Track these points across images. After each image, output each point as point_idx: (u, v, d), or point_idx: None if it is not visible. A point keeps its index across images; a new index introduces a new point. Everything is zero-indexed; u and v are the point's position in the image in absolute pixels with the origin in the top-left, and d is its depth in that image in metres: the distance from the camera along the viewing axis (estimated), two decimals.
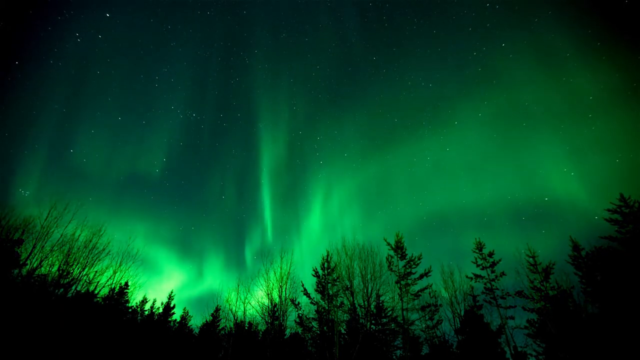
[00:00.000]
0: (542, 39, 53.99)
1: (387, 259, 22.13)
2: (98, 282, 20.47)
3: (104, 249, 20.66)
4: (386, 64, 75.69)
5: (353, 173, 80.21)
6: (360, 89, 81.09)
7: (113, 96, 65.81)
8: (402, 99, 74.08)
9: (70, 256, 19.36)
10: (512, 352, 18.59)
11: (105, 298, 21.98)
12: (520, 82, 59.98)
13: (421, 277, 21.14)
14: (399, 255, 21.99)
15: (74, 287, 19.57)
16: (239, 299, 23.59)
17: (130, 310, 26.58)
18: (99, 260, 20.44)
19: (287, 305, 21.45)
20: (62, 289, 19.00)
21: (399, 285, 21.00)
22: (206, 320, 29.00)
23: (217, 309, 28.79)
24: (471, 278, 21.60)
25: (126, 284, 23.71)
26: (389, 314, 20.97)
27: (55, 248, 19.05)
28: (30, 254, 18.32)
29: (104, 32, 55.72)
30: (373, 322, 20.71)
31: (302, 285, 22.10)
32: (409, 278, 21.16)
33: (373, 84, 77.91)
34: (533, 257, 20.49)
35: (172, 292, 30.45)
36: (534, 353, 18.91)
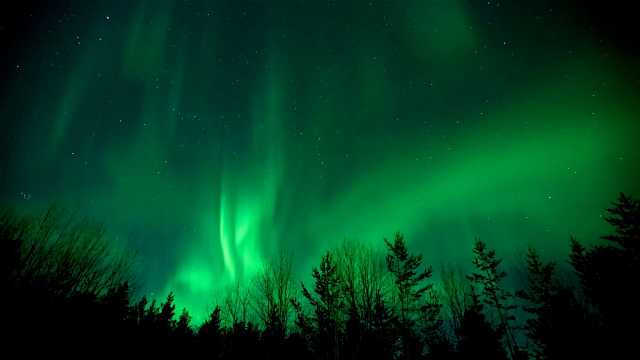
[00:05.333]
0: (543, 37, 53.96)
1: (387, 259, 22.09)
2: (97, 282, 20.43)
3: (103, 250, 20.63)
4: (387, 64, 75.63)
5: (354, 173, 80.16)
6: (361, 89, 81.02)
7: (114, 99, 65.80)
8: (403, 98, 74.08)
9: (69, 257, 19.30)
10: (513, 352, 18.53)
11: (104, 299, 21.90)
12: (522, 80, 59.96)
13: (421, 277, 21.09)
14: (399, 256, 21.94)
15: (73, 288, 19.51)
16: (238, 299, 23.55)
17: (129, 311, 26.51)
18: (98, 260, 20.40)
19: (287, 305, 21.38)
20: (61, 290, 18.94)
21: (399, 285, 20.95)
22: (206, 321, 28.95)
23: (217, 310, 28.73)
24: (471, 278, 21.55)
25: (125, 284, 23.63)
26: (389, 315, 20.91)
27: (55, 249, 19.00)
28: (29, 254, 18.25)
29: (104, 34, 55.69)
30: (373, 322, 20.64)
31: (302, 286, 22.04)
32: (409, 278, 21.11)
33: (373, 84, 77.86)
34: (533, 257, 20.45)
35: (171, 293, 30.40)
36: (534, 353, 18.87)
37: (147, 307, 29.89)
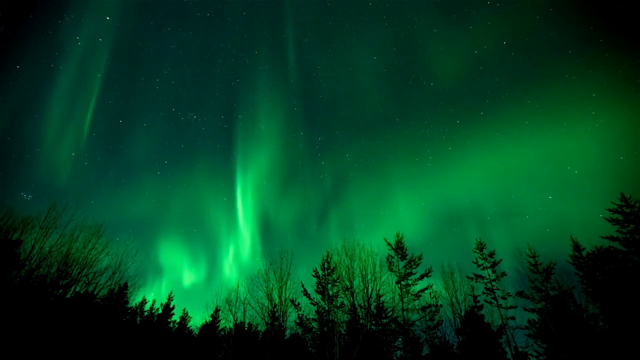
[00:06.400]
0: (543, 37, 53.87)
1: (387, 259, 22.08)
2: (97, 282, 20.42)
3: (103, 250, 20.62)
4: (386, 63, 75.53)
5: (355, 173, 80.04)
6: (361, 89, 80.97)
7: (114, 99, 65.72)
8: (403, 98, 73.99)
9: (69, 257, 19.29)
10: (513, 352, 18.51)
11: (104, 299, 21.88)
12: (522, 80, 59.84)
13: (421, 277, 21.08)
14: (399, 256, 21.93)
15: (72, 288, 19.51)
16: (238, 299, 23.53)
17: (129, 311, 26.50)
18: (98, 261, 20.39)
19: (287, 305, 21.36)
20: (61, 290, 18.94)
21: (399, 285, 20.93)
22: (206, 321, 28.93)
23: (217, 310, 28.72)
24: (472, 278, 21.53)
25: (125, 284, 23.63)
26: (389, 315, 20.89)
27: (54, 249, 18.98)
28: (29, 254, 18.24)
29: (104, 35, 55.65)
30: (373, 322, 20.63)
31: (302, 286, 22.02)
32: (409, 278, 21.10)
33: (373, 84, 77.78)
34: (534, 257, 20.43)
35: (171, 293, 30.39)
36: (534, 353, 18.86)
37: (147, 307, 29.91)
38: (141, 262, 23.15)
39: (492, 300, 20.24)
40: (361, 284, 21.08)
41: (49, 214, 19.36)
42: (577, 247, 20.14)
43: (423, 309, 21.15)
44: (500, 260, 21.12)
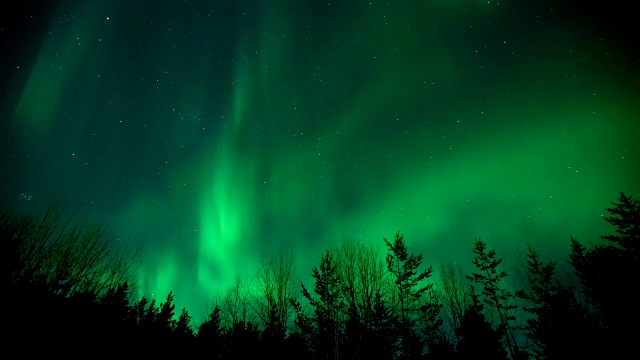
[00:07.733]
0: (544, 36, 53.86)
1: (387, 259, 22.06)
2: (97, 283, 20.42)
3: (102, 250, 20.62)
4: (387, 63, 75.52)
5: (355, 173, 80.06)
6: (361, 89, 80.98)
7: (114, 99, 65.86)
8: (404, 98, 73.89)
9: (69, 257, 19.30)
10: (513, 352, 18.49)
11: (104, 299, 21.88)
12: (523, 79, 59.81)
13: (421, 277, 21.07)
14: (399, 256, 21.91)
15: (72, 288, 19.50)
16: (238, 299, 23.51)
17: (129, 311, 26.48)
18: (98, 260, 20.40)
19: (287, 306, 21.36)
20: (60, 290, 18.93)
21: (399, 285, 20.92)
22: (205, 321, 28.90)
23: (217, 310, 28.69)
24: (472, 278, 21.50)
25: (125, 284, 23.61)
26: (389, 315, 20.88)
27: (54, 249, 18.99)
28: (29, 254, 18.25)
29: (104, 35, 55.80)
30: (373, 322, 20.61)
31: (302, 286, 22.02)
32: (409, 278, 21.08)
33: (374, 84, 77.77)
34: (534, 257, 20.42)
35: (171, 293, 30.35)
36: (535, 354, 18.85)
37: (146, 307, 29.88)
38: (141, 262, 23.18)
39: (492, 301, 20.22)
40: (361, 284, 21.08)
41: (49, 214, 19.38)
42: (577, 247, 20.13)
43: (423, 309, 21.13)
44: (500, 261, 21.10)
